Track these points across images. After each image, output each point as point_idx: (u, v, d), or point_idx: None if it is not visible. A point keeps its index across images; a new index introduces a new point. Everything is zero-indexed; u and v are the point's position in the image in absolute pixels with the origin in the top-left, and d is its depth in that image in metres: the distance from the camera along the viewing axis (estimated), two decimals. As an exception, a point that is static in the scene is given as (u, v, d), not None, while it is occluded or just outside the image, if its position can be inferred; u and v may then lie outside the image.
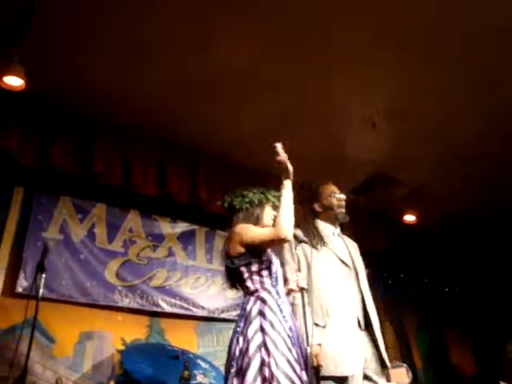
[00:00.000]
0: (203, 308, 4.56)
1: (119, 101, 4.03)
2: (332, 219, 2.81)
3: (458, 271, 7.01)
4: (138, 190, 4.28)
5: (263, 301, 2.28)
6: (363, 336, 2.57)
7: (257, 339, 2.16)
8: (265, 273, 2.35)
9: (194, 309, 4.51)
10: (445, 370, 6.61)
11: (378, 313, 2.79)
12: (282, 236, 2.27)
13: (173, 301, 4.41)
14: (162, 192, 4.35)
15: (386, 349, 2.69)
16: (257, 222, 2.50)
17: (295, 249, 2.57)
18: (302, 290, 2.40)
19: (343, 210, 2.82)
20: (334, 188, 2.88)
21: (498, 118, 4.48)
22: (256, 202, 2.53)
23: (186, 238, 4.79)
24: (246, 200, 2.53)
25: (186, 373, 4.08)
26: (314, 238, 2.70)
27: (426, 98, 4.21)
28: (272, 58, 3.71)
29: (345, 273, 2.67)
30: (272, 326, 2.18)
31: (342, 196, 2.84)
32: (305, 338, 2.28)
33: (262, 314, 2.24)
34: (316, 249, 2.65)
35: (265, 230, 2.37)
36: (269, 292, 2.32)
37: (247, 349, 2.14)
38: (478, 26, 3.48)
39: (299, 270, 2.57)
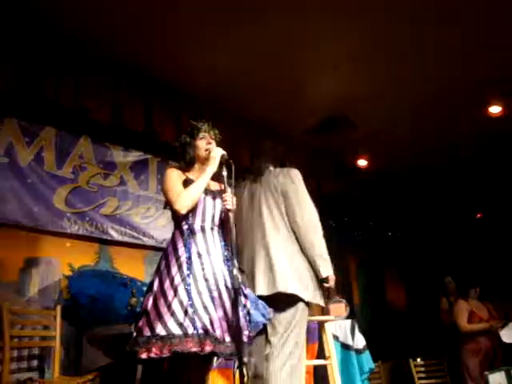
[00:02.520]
0: (153, 238, 4.57)
1: (73, 14, 3.69)
2: None
3: (402, 216, 7.36)
4: (90, 116, 4.10)
5: (171, 239, 2.35)
6: None
7: (153, 278, 2.29)
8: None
9: (143, 238, 4.52)
10: (379, 306, 7.08)
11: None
12: (177, 207, 2.30)
13: (123, 229, 4.39)
14: (116, 119, 4.19)
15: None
16: (191, 161, 2.52)
17: None
18: (228, 211, 2.39)
19: None
20: None
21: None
22: (184, 142, 2.54)
23: (138, 168, 4.70)
24: (177, 144, 2.59)
25: (134, 300, 4.18)
26: None
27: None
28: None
29: None
30: (167, 264, 2.24)
31: None
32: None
33: (165, 252, 2.32)
34: None
35: (173, 191, 2.34)
36: (180, 230, 2.34)
37: (148, 289, 2.31)
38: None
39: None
